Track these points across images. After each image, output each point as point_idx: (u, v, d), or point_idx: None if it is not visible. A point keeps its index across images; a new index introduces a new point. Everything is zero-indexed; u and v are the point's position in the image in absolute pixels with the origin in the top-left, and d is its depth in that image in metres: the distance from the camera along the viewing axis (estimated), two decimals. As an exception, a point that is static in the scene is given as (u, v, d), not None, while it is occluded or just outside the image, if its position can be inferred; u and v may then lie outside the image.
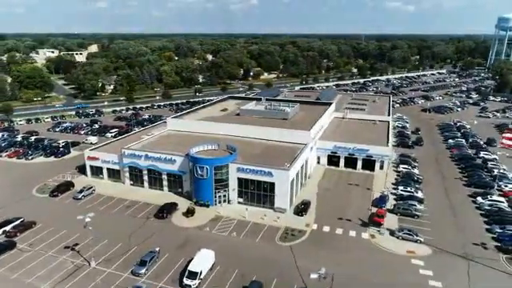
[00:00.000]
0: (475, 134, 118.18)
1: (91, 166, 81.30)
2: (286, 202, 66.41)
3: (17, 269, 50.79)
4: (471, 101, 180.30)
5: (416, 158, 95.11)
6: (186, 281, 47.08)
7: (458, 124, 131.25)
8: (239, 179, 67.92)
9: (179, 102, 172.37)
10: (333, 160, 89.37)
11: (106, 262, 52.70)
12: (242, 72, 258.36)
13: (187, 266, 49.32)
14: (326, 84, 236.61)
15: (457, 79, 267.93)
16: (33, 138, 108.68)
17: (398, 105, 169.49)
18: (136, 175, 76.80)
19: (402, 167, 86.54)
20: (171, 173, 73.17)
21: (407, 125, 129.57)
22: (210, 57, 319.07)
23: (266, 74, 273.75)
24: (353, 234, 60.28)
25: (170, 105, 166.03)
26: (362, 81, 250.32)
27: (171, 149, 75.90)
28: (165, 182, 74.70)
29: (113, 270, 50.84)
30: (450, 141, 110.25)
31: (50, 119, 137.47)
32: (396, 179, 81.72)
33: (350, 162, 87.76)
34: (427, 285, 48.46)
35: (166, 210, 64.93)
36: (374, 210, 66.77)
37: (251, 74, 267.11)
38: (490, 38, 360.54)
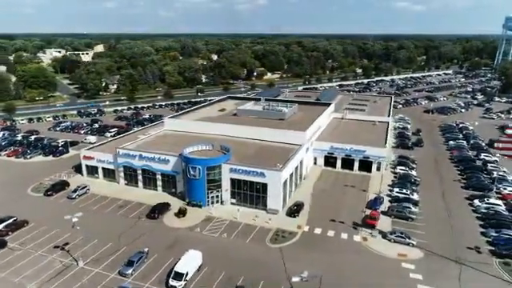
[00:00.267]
0: (477, 135, 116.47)
1: (87, 166, 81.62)
2: (278, 203, 65.93)
3: (5, 268, 51.00)
4: (476, 102, 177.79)
5: (415, 159, 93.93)
6: (172, 282, 46.88)
7: (461, 125, 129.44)
8: (232, 180, 67.59)
9: (181, 101, 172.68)
10: (330, 161, 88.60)
11: (95, 261, 52.68)
12: (245, 72, 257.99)
13: (174, 266, 49.13)
14: (330, 84, 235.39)
15: (463, 80, 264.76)
16: (33, 137, 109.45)
17: (400, 105, 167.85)
18: (130, 175, 76.90)
19: (399, 169, 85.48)
20: (165, 173, 73.11)
21: (408, 126, 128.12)
22: (214, 57, 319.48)
23: (269, 74, 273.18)
24: (344, 236, 59.60)
25: (172, 104, 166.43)
26: (365, 81, 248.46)
27: (166, 149, 75.83)
28: (159, 182, 74.68)
29: (100, 270, 50.80)
30: (451, 142, 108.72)
31: (51, 118, 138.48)
32: (393, 181, 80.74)
33: (347, 163, 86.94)
34: (416, 289, 47.71)
35: (158, 211, 64.85)
36: (368, 212, 65.92)
37: (254, 74, 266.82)
38: (498, 38, 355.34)
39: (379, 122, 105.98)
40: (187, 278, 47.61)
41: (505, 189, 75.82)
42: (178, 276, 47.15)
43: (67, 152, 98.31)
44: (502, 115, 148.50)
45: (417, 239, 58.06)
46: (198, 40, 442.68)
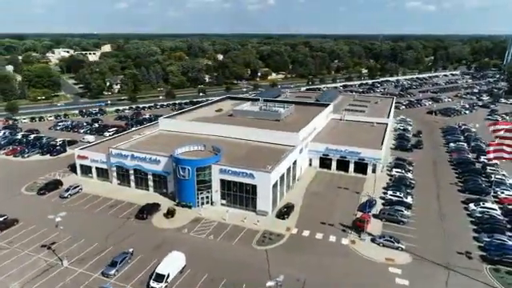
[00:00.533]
0: (479, 137, 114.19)
1: (81, 165, 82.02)
2: (268, 204, 65.34)
3: (-10, 266, 51.38)
4: (481, 103, 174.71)
5: (412, 161, 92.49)
6: (153, 283, 46.68)
7: (463, 127, 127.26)
8: (222, 181, 67.20)
9: (182, 101, 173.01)
10: (325, 162, 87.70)
11: (80, 261, 52.78)
12: (249, 72, 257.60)
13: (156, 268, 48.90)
14: (333, 85, 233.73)
15: (470, 81, 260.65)
16: (32, 136, 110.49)
17: (403, 106, 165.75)
18: (123, 175, 77.06)
19: (394, 171, 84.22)
20: (156, 173, 73.09)
21: (409, 127, 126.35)
22: (220, 57, 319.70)
23: (274, 75, 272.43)
24: (333, 239, 58.79)
25: (173, 104, 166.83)
26: (370, 82, 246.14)
27: (158, 149, 75.75)
28: (150, 183, 74.68)
29: (84, 270, 50.85)
30: (452, 144, 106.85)
31: (53, 118, 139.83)
32: (388, 183, 79.54)
33: (343, 164, 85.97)
34: (401, 295, 46.80)
35: (146, 211, 64.76)
36: (360, 214, 65.00)
37: (259, 74, 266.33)
38: (508, 38, 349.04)
39: (378, 123, 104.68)
40: (168, 280, 47.35)
41: (502, 192, 74.06)
42: (159, 277, 46.93)
43: (65, 151, 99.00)
44: (507, 117, 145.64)
45: (407, 243, 57.01)
46: (205, 40, 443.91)
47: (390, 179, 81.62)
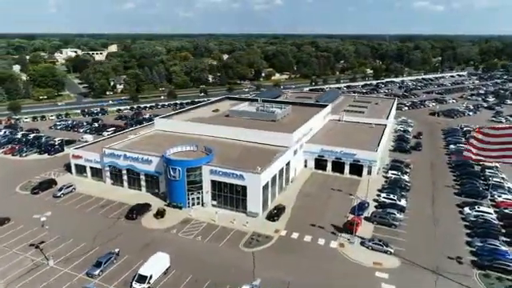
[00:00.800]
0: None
1: (76, 165, 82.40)
2: (258, 206, 64.83)
3: (-24, 266, 51.69)
4: (486, 104, 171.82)
5: (409, 163, 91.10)
6: (135, 284, 46.54)
7: (465, 129, 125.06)
8: (213, 182, 66.88)
9: (184, 101, 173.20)
10: (321, 164, 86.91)
11: (66, 261, 52.86)
12: (252, 72, 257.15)
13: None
14: (337, 85, 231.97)
15: (477, 82, 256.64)
16: (31, 136, 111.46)
17: (406, 108, 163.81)
18: (116, 175, 77.20)
19: (390, 173, 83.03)
20: (148, 173, 73.05)
21: (410, 129, 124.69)
22: (226, 57, 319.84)
23: (278, 75, 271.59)
24: (321, 242, 58.04)
25: (175, 104, 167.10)
26: (374, 82, 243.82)
27: (152, 149, 75.72)
28: (142, 183, 74.69)
29: (69, 270, 50.90)
30: (452, 146, 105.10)
31: (54, 117, 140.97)
32: (383, 185, 78.45)
33: (338, 166, 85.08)
34: (385, 300, 45.94)
35: (136, 211, 64.70)
36: (351, 217, 64.12)
37: (263, 74, 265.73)
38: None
39: (376, 124, 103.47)
40: (151, 281, 47.12)
41: (499, 196, 72.48)
42: (142, 279, 46.76)
43: (62, 150, 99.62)
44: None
45: (397, 247, 56.08)
46: (211, 40, 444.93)
47: (386, 181, 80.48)
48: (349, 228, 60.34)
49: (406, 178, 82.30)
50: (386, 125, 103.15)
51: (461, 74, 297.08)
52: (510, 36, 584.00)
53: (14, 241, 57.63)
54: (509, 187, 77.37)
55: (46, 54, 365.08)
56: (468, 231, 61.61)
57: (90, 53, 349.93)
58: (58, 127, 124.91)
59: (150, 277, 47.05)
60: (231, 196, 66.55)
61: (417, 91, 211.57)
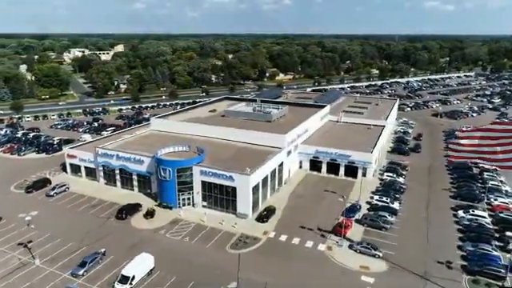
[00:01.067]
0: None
1: (71, 164, 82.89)
2: (248, 207, 64.41)
3: (-37, 265, 52.12)
4: (491, 106, 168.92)
5: (407, 165, 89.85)
6: (117, 285, 46.47)
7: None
8: (203, 182, 66.65)
9: (185, 101, 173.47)
10: (316, 165, 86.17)
11: (52, 260, 53.06)
12: (256, 73, 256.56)
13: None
14: (341, 86, 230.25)
15: (484, 82, 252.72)
16: (31, 135, 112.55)
17: (409, 108, 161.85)
18: (109, 174, 77.46)
19: (385, 175, 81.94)
20: (140, 173, 73.11)
21: (410, 130, 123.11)
22: (231, 57, 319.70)
23: (282, 75, 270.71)
24: (309, 244, 57.40)
25: (175, 104, 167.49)
26: (379, 83, 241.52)
27: (145, 149, 75.74)
28: (135, 183, 74.80)
29: (54, 269, 51.07)
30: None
31: (56, 116, 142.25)
32: (377, 187, 77.44)
33: (333, 167, 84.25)
34: (369, 305, 45.20)
35: (126, 211, 64.75)
36: (342, 219, 63.29)
37: (267, 74, 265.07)
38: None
39: (374, 125, 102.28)
40: (133, 282, 47.02)
41: (496, 200, 71.00)
42: (124, 279, 46.70)
43: (60, 150, 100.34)
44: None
45: (386, 250, 55.21)
46: (218, 40, 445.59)
47: (381, 183, 79.45)
48: (337, 231, 59.62)
49: (401, 180, 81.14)
50: (384, 126, 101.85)
51: (468, 74, 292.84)
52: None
53: (5, 239, 58.02)
54: (506, 190, 75.80)
55: (54, 53, 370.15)
56: (461, 235, 60.44)
57: (97, 53, 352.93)
58: (59, 126, 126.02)
59: (133, 277, 46.97)
60: (221, 197, 66.25)
61: (422, 92, 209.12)
